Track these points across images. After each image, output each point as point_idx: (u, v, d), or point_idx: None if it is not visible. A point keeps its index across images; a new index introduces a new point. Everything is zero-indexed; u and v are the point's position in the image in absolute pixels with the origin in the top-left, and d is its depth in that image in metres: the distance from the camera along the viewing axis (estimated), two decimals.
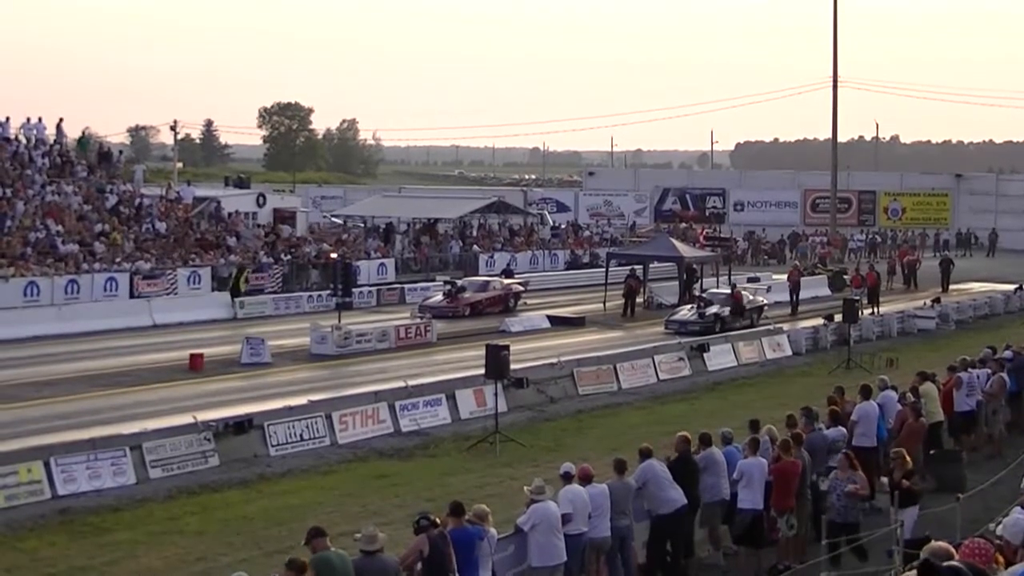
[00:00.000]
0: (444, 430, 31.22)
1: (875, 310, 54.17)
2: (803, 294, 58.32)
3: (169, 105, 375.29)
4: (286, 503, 24.41)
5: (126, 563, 20.89)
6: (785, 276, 60.33)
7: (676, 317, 49.33)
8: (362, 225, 78.18)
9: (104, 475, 25.10)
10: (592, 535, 18.10)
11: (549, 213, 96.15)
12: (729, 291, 52.04)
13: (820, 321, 48.38)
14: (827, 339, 46.47)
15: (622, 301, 54.77)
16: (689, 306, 50.61)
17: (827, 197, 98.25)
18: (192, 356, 39.10)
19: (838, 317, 46.08)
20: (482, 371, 31.07)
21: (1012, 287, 63.01)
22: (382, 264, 64.73)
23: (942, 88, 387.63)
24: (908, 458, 19.98)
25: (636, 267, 58.34)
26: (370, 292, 57.23)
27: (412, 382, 33.04)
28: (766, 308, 52.46)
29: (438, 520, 15.79)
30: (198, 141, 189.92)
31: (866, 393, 24.51)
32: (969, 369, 29.15)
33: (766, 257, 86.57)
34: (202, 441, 27.00)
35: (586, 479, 18.33)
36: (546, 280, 67.03)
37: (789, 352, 44.90)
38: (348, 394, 32.47)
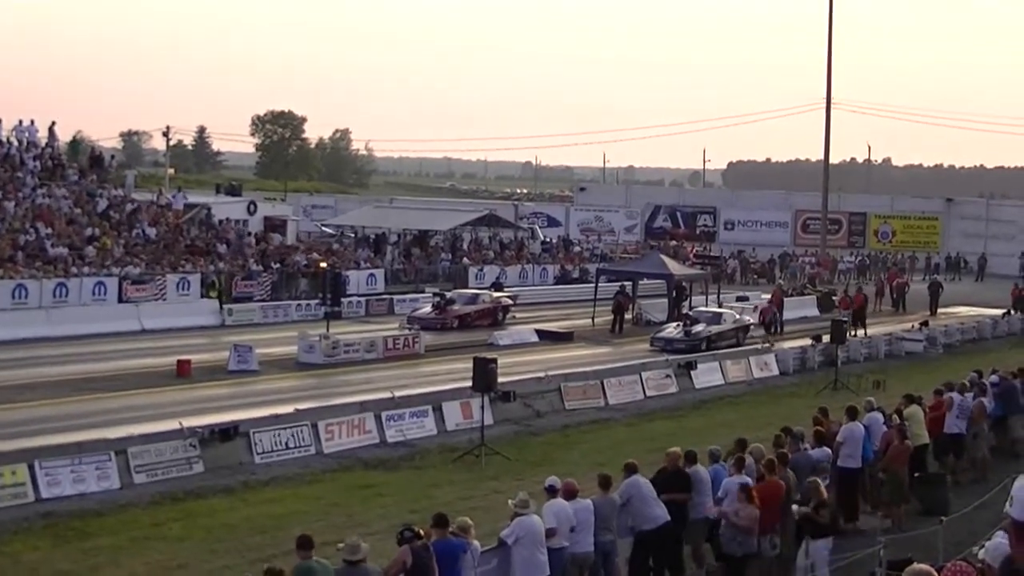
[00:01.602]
0: (430, 441, 31.21)
1: (859, 332, 54.01)
2: (792, 314, 58.38)
3: (162, 111, 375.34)
4: (270, 511, 24.38)
5: (109, 569, 20.85)
6: (770, 296, 60.32)
7: (662, 334, 49.39)
8: (353, 235, 78.14)
9: (88, 479, 25.07)
10: (575, 550, 18.08)
11: (540, 228, 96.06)
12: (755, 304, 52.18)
13: (808, 341, 48.43)
14: (815, 360, 46.50)
15: (611, 317, 54.79)
16: (675, 324, 50.63)
17: (818, 218, 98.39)
18: (179, 362, 39.08)
19: (826, 338, 46.13)
20: (469, 383, 31.10)
21: (1000, 312, 63.14)
22: (371, 274, 64.72)
23: (935, 112, 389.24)
24: (823, 489, 19.76)
25: (625, 283, 58.33)
26: (359, 302, 57.20)
27: (399, 393, 33.05)
28: (752, 327, 52.48)
29: (422, 532, 15.78)
30: (190, 148, 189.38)
31: (852, 414, 24.53)
32: (964, 393, 29.11)
33: (755, 276, 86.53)
34: (187, 447, 26.97)
35: (570, 494, 18.32)
36: (535, 294, 67.02)
37: (776, 372, 44.93)
38: (334, 403, 32.51)
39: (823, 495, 19.39)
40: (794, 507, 19.68)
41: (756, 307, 58.57)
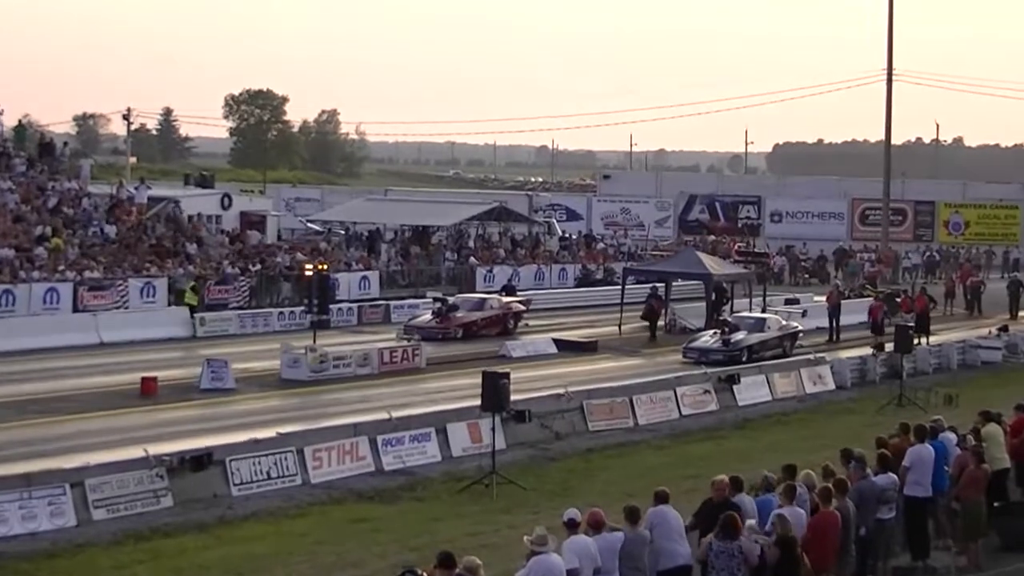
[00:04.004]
0: (433, 469, 31.25)
1: (923, 340, 53.35)
2: (850, 319, 58.26)
3: (122, 91, 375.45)
4: (249, 551, 24.38)
5: None
6: (824, 298, 60.21)
7: (696, 344, 49.28)
8: (342, 232, 78.19)
9: (40, 516, 25.06)
10: None
11: (558, 222, 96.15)
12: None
13: (868, 350, 48.35)
14: (876, 371, 46.45)
15: (643, 324, 54.77)
16: (712, 331, 50.50)
17: (878, 208, 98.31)
18: (144, 380, 39.09)
19: (889, 346, 46.01)
20: (478, 402, 31.08)
21: None
22: (364, 277, 64.73)
23: (1013, 84, 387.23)
24: (786, 524, 19.15)
25: (657, 285, 58.32)
26: (350, 309, 57.28)
27: (397, 414, 33.05)
28: (801, 335, 52.35)
29: (424, 574, 15.74)
30: (155, 132, 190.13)
31: (920, 435, 24.37)
32: None
33: (807, 276, 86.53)
34: (154, 478, 26.98)
35: (596, 526, 18.25)
36: (553, 299, 67.08)
37: (832, 386, 44.91)
38: (323, 426, 32.53)
39: (785, 529, 18.90)
40: (756, 538, 19.04)
41: (805, 312, 58.53)
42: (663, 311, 56.75)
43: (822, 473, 21.62)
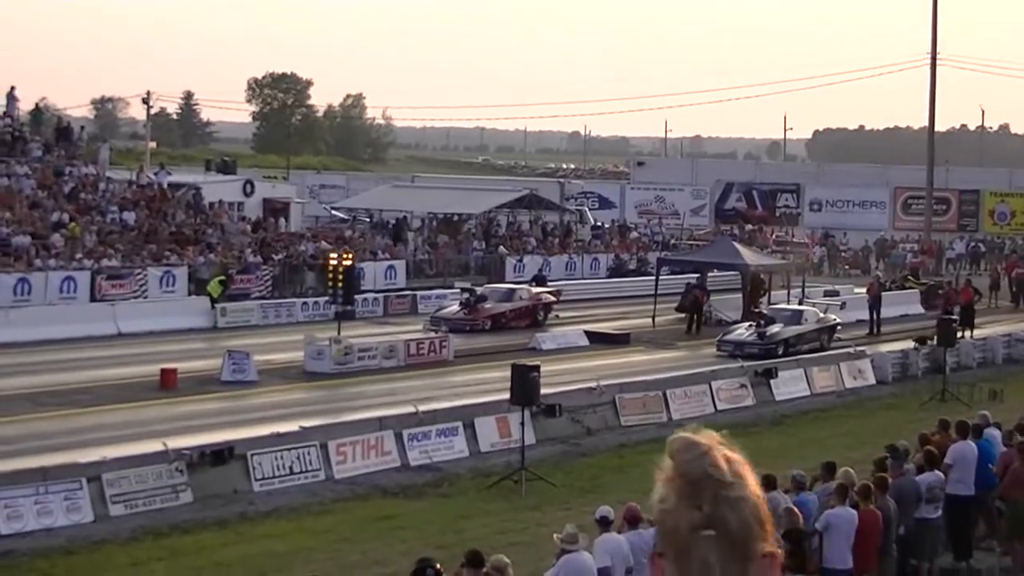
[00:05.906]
0: (460, 465, 31.30)
1: (967, 333, 53.10)
2: (892, 311, 58.06)
3: (142, 73, 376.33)
4: (270, 549, 24.41)
5: None
6: (864, 290, 60.04)
7: (731, 337, 49.21)
8: (368, 220, 78.23)
9: (56, 511, 25.13)
10: None
11: (590, 210, 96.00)
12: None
13: (910, 344, 48.19)
14: (918, 366, 46.33)
15: (678, 316, 54.74)
16: (747, 324, 50.37)
17: (921, 197, 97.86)
18: (164, 372, 39.15)
19: (932, 340, 45.88)
20: (507, 396, 31.08)
21: None
22: (391, 267, 64.78)
23: None
24: (793, 516, 19.10)
25: (694, 276, 58.25)
26: (376, 300, 57.26)
27: (423, 407, 33.06)
28: (839, 328, 52.18)
29: (442, 568, 15.72)
30: (175, 117, 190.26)
31: (963, 431, 24.28)
32: None
33: (847, 267, 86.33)
34: (173, 473, 27.04)
35: (633, 522, 18.21)
36: (585, 289, 67.05)
37: (872, 380, 44.81)
38: (347, 420, 32.60)
39: (793, 523, 18.81)
40: None
41: (844, 304, 58.37)
42: (706, 301, 56.54)
43: (875, 467, 21.55)
